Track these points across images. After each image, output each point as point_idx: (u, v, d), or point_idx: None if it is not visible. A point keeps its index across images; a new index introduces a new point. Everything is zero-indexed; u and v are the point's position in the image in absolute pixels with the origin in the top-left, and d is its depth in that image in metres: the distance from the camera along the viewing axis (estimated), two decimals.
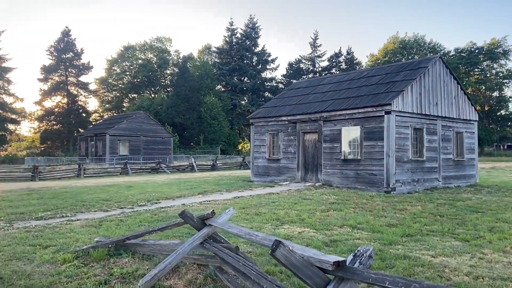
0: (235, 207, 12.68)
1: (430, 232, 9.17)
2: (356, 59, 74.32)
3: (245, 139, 74.27)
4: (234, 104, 68.14)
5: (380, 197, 14.73)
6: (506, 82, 73.62)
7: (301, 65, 74.21)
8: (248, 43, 71.49)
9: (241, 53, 70.84)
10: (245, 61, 72.06)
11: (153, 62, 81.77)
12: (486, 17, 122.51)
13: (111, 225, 10.24)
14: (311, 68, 74.27)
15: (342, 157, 17.80)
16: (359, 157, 17.15)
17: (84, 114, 68.22)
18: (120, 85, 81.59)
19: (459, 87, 19.49)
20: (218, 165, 36.44)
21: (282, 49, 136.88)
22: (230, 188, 18.37)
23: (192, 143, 62.85)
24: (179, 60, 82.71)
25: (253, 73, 70.73)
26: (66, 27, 66.64)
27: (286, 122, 20.40)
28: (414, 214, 11.43)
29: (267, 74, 75.18)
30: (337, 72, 69.57)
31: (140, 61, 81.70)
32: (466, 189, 17.75)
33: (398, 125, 16.43)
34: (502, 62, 72.64)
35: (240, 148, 71.01)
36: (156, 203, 14.36)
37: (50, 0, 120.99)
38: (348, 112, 17.60)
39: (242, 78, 71.84)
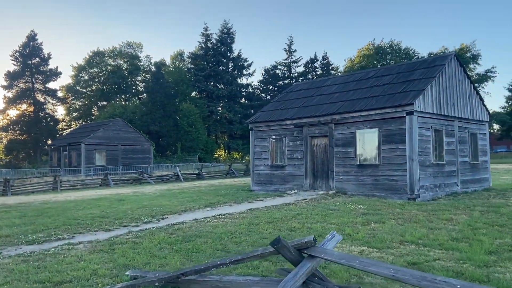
0: (259, 222, 11.11)
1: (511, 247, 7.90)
2: (332, 64, 74.09)
3: (222, 146, 72.45)
4: (211, 111, 66.25)
5: (410, 205, 13.45)
6: (476, 86, 75.01)
7: (277, 71, 73.18)
8: (224, 48, 69.88)
9: (216, 59, 69.11)
10: (220, 67, 70.38)
11: (124, 68, 78.92)
12: (457, 22, 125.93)
13: (126, 249, 8.46)
14: (287, 74, 73.35)
15: (357, 162, 16.49)
16: (377, 162, 15.88)
17: (52, 123, 64.50)
18: (89, 93, 78.22)
19: (472, 86, 18.66)
20: (203, 174, 34.57)
21: (257, 55, 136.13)
22: (237, 199, 16.71)
23: (168, 152, 60.47)
24: (151, 66, 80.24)
25: (229, 79, 69.12)
26: (32, 31, 63.08)
27: (292, 126, 18.95)
28: (468, 224, 10.15)
29: (243, 80, 73.83)
30: (317, 78, 69.05)
31: (109, 67, 78.67)
32: (486, 193, 16.79)
33: (420, 126, 15.28)
34: (472, 66, 74.07)
35: (217, 156, 69.08)
36: (162, 219, 12.58)
37: (13, 3, 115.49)
38: (363, 113, 16.33)
39: (218, 85, 70.08)
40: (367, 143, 16.24)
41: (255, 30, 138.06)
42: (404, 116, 15.12)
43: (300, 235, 9.36)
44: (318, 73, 72.76)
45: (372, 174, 16.04)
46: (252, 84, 75.02)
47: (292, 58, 73.32)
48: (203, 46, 70.62)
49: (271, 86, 72.79)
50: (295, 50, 73.28)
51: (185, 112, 59.05)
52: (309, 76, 73.23)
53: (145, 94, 75.83)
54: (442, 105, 16.46)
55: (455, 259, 7.22)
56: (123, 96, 79.20)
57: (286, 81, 72.58)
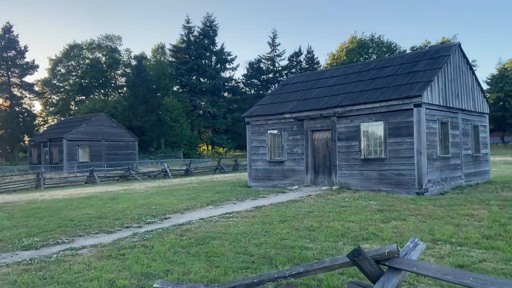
0: (272, 221, 10.45)
1: None
2: (317, 58, 73.75)
3: (205, 141, 71.41)
4: (194, 105, 65.11)
5: (422, 200, 12.99)
6: (477, 78, 75.67)
7: (261, 65, 72.43)
8: (206, 41, 68.72)
9: (199, 52, 67.93)
10: (203, 61, 69.21)
11: (102, 62, 76.87)
12: (438, 16, 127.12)
13: (138, 254, 7.70)
14: (271, 67, 72.71)
15: (362, 157, 15.98)
16: (383, 156, 15.40)
17: (29, 118, 62.24)
18: (66, 87, 75.93)
19: (474, 77, 18.36)
20: (191, 169, 33.67)
21: (241, 49, 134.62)
22: (238, 196, 15.98)
23: (152, 148, 59.13)
24: (131, 60, 78.39)
25: (213, 73, 68.05)
26: (7, 22, 60.65)
27: (291, 120, 18.30)
28: (494, 220, 9.69)
29: (226, 74, 72.83)
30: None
31: (87, 60, 76.48)
32: (491, 186, 16.53)
33: (427, 119, 14.85)
34: None
35: (200, 151, 68.03)
36: (165, 218, 11.81)
37: None
38: (368, 106, 15.81)
39: (201, 78, 68.92)
40: (372, 136, 15.74)
41: (238, 23, 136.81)
42: (412, 109, 14.66)
43: (322, 235, 8.76)
44: (303, 67, 72.37)
45: (377, 168, 15.56)
46: (236, 78, 74.20)
47: (276, 51, 72.77)
48: (185, 39, 69.31)
49: (255, 80, 72.06)
50: (279, 44, 73.07)
51: (168, 106, 57.83)
52: (293, 70, 72.77)
53: (125, 89, 74.12)
54: (448, 97, 16.08)
55: (502, 259, 6.72)
56: (102, 90, 77.18)
57: (270, 75, 72.03)
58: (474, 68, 19.42)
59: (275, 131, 18.99)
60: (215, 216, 11.82)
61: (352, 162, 16.32)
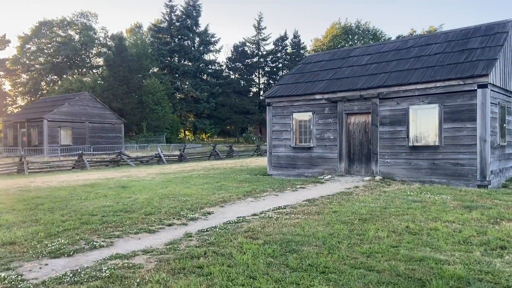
0: (351, 220, 8.50)
1: None
2: (303, 43, 71.76)
3: (187, 125, 68.47)
4: (176, 88, 62.04)
5: (499, 194, 11.34)
6: None
7: (246, 48, 69.83)
8: (189, 21, 65.43)
9: (181, 32, 64.64)
10: (186, 42, 65.99)
11: (76, 39, 72.32)
12: (425, 5, 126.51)
13: (223, 268, 5.73)
14: (256, 51, 70.22)
15: (410, 144, 14.19)
16: (436, 143, 13.64)
17: None
18: (37, 65, 71.13)
19: None
20: (185, 155, 31.26)
21: (224, 33, 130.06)
22: (272, 186, 13.91)
23: (132, 132, 55.93)
24: (107, 38, 74.17)
25: (196, 55, 65.01)
26: None
27: (323, 101, 16.29)
28: None
29: (210, 57, 69.87)
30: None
31: (59, 38, 71.75)
32: None
33: (491, 102, 13.16)
34: None
35: (182, 136, 65.18)
36: (208, 213, 9.70)
37: None
38: (419, 86, 13.97)
39: (183, 60, 65.75)
40: (424, 121, 13.93)
41: (222, 4, 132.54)
42: (475, 90, 12.91)
43: (439, 241, 6.91)
44: (288, 51, 70.26)
45: (429, 157, 13.81)
46: (219, 62, 71.35)
47: (261, 35, 70.18)
48: (167, 19, 65.83)
49: (239, 64, 69.44)
50: (265, 27, 70.45)
51: (150, 88, 54.63)
52: (279, 55, 70.57)
53: (101, 69, 70.08)
54: (506, 78, 14.46)
55: None
56: (76, 70, 72.72)
57: (255, 59, 69.54)
58: None
59: (303, 114, 16.95)
60: (267, 211, 9.79)
61: (397, 149, 14.51)
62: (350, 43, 72.66)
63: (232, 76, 69.74)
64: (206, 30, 67.39)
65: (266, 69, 71.66)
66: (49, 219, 8.91)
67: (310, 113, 16.71)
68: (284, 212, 9.59)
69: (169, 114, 56.79)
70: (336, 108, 15.99)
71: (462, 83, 13.11)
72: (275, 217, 8.97)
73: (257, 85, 72.83)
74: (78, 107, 34.87)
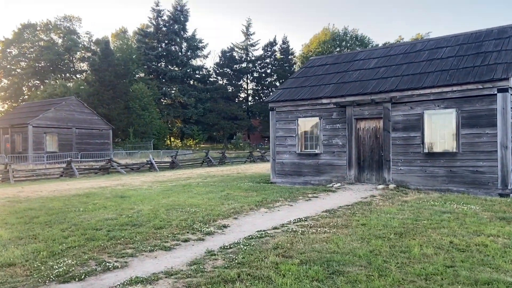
0: (384, 235, 7.74)
1: None
2: (292, 48, 71.43)
3: (174, 131, 67.19)
4: (163, 93, 60.83)
5: None
6: None
7: (234, 54, 69.11)
8: (177, 26, 64.44)
9: (169, 37, 63.58)
10: (173, 47, 64.93)
11: (60, 44, 70.65)
12: (412, 14, 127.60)
13: None
14: (244, 57, 69.58)
15: (425, 150, 13.55)
16: (454, 150, 13.03)
17: None
18: (18, 70, 69.19)
19: None
20: (178, 162, 30.22)
21: (212, 38, 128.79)
22: (283, 195, 13.06)
23: (118, 138, 54.46)
24: (91, 43, 72.64)
25: (183, 60, 64.00)
26: None
27: (330, 106, 15.58)
28: None
29: (197, 62, 68.91)
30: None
31: (42, 42, 69.97)
32: None
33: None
34: None
35: (169, 142, 63.91)
36: (224, 226, 8.86)
37: None
38: (435, 90, 13.37)
39: (171, 66, 64.64)
40: (440, 126, 13.32)
41: (210, 9, 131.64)
42: (495, 94, 12.35)
43: (498, 261, 6.19)
44: (277, 57, 69.76)
45: (446, 164, 13.18)
46: (207, 67, 70.40)
47: (249, 40, 69.59)
48: (154, 23, 64.76)
49: (227, 70, 68.65)
50: (254, 33, 69.90)
51: (137, 93, 53.34)
52: (267, 61, 70.04)
53: (86, 74, 68.51)
54: None
55: None
56: (59, 75, 70.92)
57: (243, 65, 68.87)
58: None
59: (309, 119, 16.21)
60: (288, 224, 8.98)
61: (411, 156, 13.86)
62: (338, 49, 72.64)
63: (220, 82, 68.93)
64: (193, 35, 66.46)
65: (255, 74, 71.05)
66: (49, 235, 7.93)
67: (317, 118, 15.98)
68: (307, 225, 8.78)
69: (156, 120, 55.58)
70: (344, 113, 15.29)
71: (481, 87, 12.55)
72: (300, 231, 8.15)
73: (245, 91, 72.14)
74: (64, 112, 33.45)
